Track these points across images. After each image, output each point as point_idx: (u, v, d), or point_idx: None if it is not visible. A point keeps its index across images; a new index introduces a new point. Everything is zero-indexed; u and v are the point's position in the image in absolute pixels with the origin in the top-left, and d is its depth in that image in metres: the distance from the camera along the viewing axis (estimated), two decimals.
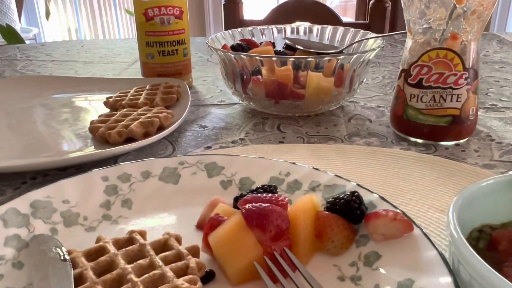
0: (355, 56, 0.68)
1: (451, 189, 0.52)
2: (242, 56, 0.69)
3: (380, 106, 0.80)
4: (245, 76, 0.72)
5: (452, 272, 0.34)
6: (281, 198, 0.42)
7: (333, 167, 0.57)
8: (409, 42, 0.63)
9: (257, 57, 0.68)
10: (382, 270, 0.38)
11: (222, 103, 0.84)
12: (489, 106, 0.80)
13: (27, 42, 2.31)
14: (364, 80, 0.78)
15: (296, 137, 0.68)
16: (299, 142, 0.66)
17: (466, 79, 0.60)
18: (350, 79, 0.71)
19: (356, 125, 0.72)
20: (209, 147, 0.65)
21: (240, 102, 0.81)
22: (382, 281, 0.37)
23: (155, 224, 0.47)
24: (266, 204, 0.40)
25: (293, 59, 0.67)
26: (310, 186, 0.50)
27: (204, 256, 0.41)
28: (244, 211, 0.40)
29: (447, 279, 0.33)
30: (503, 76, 0.98)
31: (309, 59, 0.66)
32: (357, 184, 0.47)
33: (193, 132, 0.70)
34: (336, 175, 0.49)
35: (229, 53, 0.70)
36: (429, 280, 0.34)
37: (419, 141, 0.65)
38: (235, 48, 0.81)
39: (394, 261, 0.38)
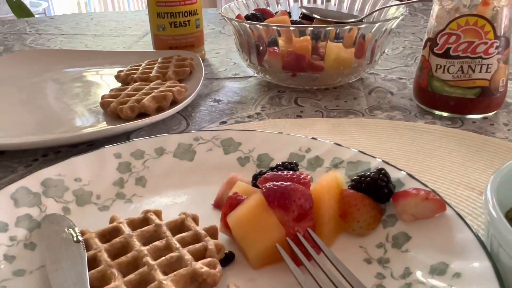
0: (377, 25, 0.64)
1: (481, 165, 0.49)
2: (258, 26, 0.65)
3: (401, 78, 0.77)
4: (261, 48, 0.69)
5: (491, 255, 0.32)
6: (303, 176, 0.40)
7: (355, 142, 0.54)
8: (435, 9, 0.59)
9: (274, 27, 0.64)
10: (412, 253, 0.35)
11: (236, 76, 0.81)
12: None
13: (36, 16, 2.27)
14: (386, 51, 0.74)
15: (314, 111, 0.65)
16: (318, 116, 0.63)
17: (497, 48, 0.56)
18: (372, 49, 0.68)
19: (377, 98, 0.69)
20: (224, 122, 0.63)
21: (255, 75, 0.78)
22: (413, 264, 0.34)
23: (171, 203, 0.45)
24: (288, 183, 0.38)
25: (312, 28, 0.63)
26: (332, 163, 0.47)
27: (222, 237, 0.39)
28: (265, 190, 0.37)
29: (486, 263, 0.31)
30: None
31: (329, 28, 0.63)
32: (383, 161, 0.45)
33: (207, 107, 0.68)
34: (360, 151, 0.47)
35: (244, 23, 0.67)
36: (465, 264, 0.32)
37: (445, 114, 0.61)
38: (250, 18, 0.77)
39: (426, 243, 0.35)
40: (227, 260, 0.36)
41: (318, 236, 0.37)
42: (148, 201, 0.46)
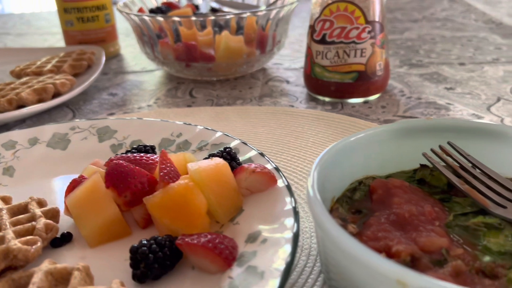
0: (246, 14, 0.65)
1: None
2: (145, 17, 0.66)
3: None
4: (151, 38, 0.70)
5: (298, 222, 0.33)
6: (151, 158, 0.41)
7: (231, 128, 0.56)
8: None
9: (159, 18, 0.65)
10: (240, 225, 0.37)
11: (143, 70, 0.81)
12: (415, 62, 0.79)
13: None
14: (283, 40, 0.75)
15: (206, 100, 0.66)
16: (208, 105, 0.65)
17: (369, 32, 0.59)
18: (260, 39, 0.69)
19: (272, 87, 0.70)
20: (112, 114, 0.63)
21: (161, 68, 0.79)
22: (237, 234, 0.36)
23: (35, 191, 0.45)
24: (127, 164, 0.39)
25: (195, 18, 0.64)
26: (198, 145, 0.48)
27: (67, 219, 0.40)
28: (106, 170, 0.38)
29: (288, 231, 0.33)
30: (441, 33, 0.97)
31: (193, 18, 0.64)
32: (242, 142, 0.46)
33: (100, 100, 0.68)
34: (224, 134, 0.48)
35: (132, 15, 0.67)
36: (273, 231, 0.34)
37: (327, 99, 0.64)
38: (154, 11, 0.78)
39: (252, 214, 0.37)
40: (63, 239, 0.37)
41: None
42: (13, 190, 0.46)
